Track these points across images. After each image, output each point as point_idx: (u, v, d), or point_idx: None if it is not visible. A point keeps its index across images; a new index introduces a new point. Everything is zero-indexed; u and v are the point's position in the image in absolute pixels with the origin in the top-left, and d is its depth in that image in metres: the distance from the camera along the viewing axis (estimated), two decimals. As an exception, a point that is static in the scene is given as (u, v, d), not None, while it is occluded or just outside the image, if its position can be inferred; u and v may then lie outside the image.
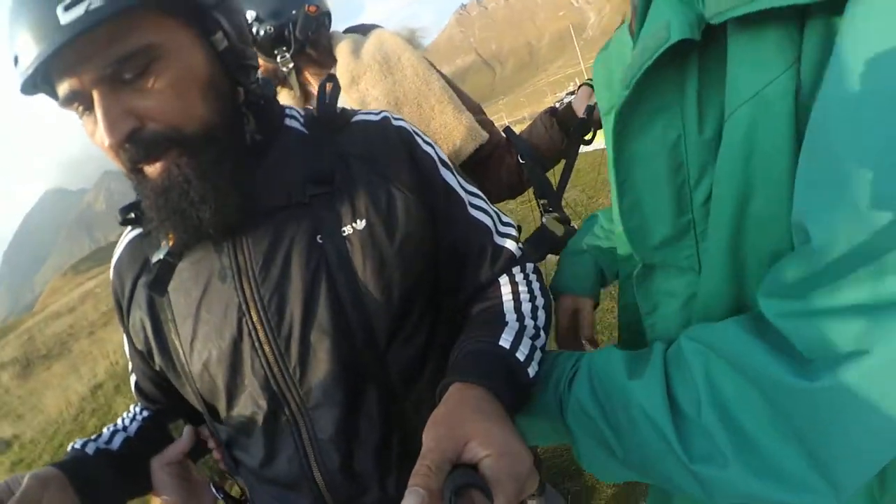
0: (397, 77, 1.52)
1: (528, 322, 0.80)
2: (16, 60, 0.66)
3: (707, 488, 0.53)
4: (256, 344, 0.79)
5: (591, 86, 1.40)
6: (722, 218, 0.55)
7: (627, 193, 0.66)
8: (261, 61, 1.52)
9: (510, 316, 0.80)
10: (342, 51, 1.54)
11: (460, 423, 0.54)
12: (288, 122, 0.89)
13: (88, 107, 0.69)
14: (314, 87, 1.59)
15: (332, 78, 0.92)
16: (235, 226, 0.79)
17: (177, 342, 0.83)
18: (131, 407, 1.02)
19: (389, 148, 0.86)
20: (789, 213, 0.48)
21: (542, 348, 0.77)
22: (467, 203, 0.90)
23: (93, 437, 0.92)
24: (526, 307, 0.82)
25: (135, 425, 0.96)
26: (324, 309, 0.78)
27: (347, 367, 0.80)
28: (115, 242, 0.96)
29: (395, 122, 0.90)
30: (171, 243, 0.81)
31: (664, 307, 0.74)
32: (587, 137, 1.42)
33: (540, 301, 0.85)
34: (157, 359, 0.87)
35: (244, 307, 0.79)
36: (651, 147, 0.60)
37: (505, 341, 0.73)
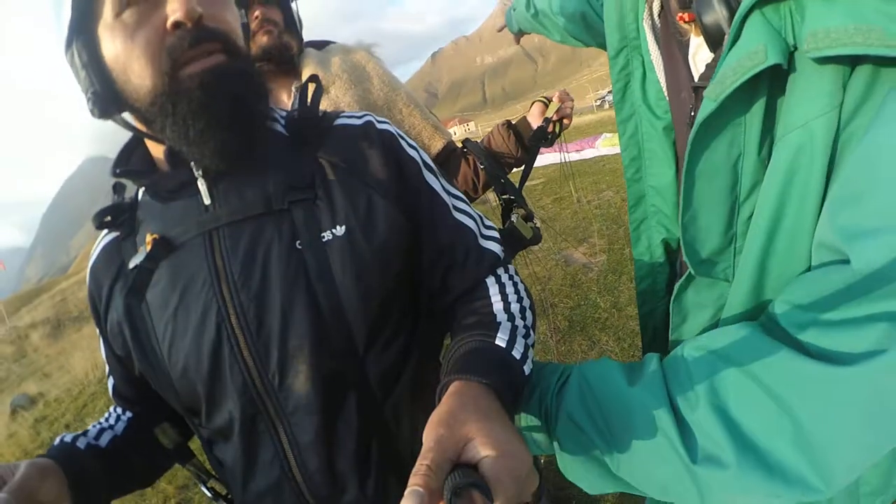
0: (366, 85, 1.60)
1: (519, 322, 0.80)
2: None
3: (703, 490, 0.56)
4: (235, 349, 0.78)
5: (544, 102, 1.63)
6: (758, 231, 0.60)
7: (689, 208, 0.68)
8: (280, 19, 1.56)
9: (501, 316, 0.80)
10: (309, 63, 1.58)
11: (460, 423, 0.54)
12: (269, 124, 0.88)
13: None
14: (276, 97, 1.62)
15: (315, 79, 0.92)
16: (230, 176, 0.81)
17: (156, 347, 0.82)
18: (111, 408, 1.01)
19: (371, 153, 0.85)
20: (812, 233, 0.56)
21: (533, 347, 0.78)
22: (451, 207, 0.90)
23: (81, 432, 0.93)
24: (515, 307, 0.83)
25: (121, 424, 0.97)
26: (302, 315, 0.78)
27: (326, 373, 0.79)
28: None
29: (378, 126, 0.89)
30: (148, 248, 0.81)
31: (693, 318, 0.78)
32: (548, 140, 1.60)
33: (526, 302, 0.86)
34: (138, 364, 0.86)
35: (223, 312, 0.78)
36: (717, 162, 0.64)
37: (501, 340, 0.73)
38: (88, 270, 0.92)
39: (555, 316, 4.44)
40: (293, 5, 1.59)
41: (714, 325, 0.74)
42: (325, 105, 1.54)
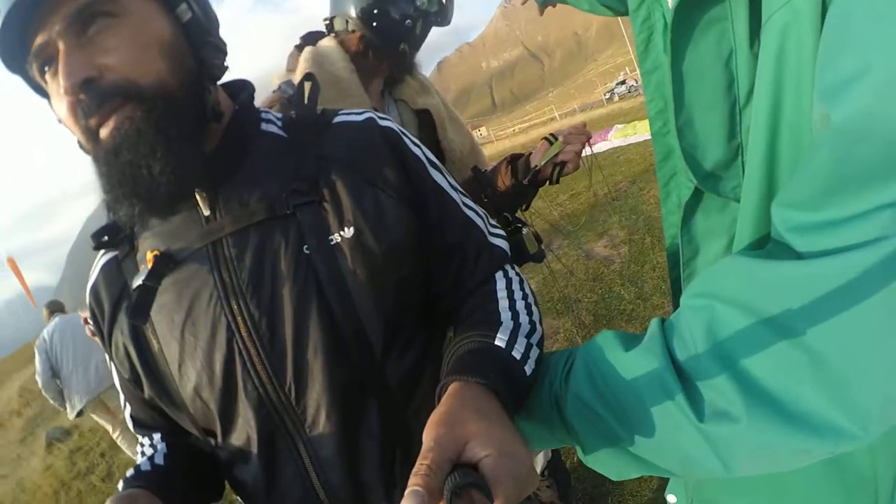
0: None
1: (524, 319, 0.79)
2: None
3: (721, 452, 0.50)
4: (249, 365, 0.76)
5: (549, 141, 1.49)
6: (759, 132, 0.52)
7: (682, 110, 0.63)
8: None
9: (504, 315, 0.79)
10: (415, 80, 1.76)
11: (460, 423, 0.54)
12: (264, 126, 0.86)
13: (55, 62, 0.70)
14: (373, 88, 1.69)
15: (311, 77, 0.90)
16: (207, 187, 0.78)
17: (165, 368, 0.80)
18: (139, 448, 0.94)
19: (375, 150, 0.83)
20: None
21: (539, 344, 0.76)
22: (460, 203, 0.89)
23: (129, 471, 0.87)
24: (520, 305, 0.81)
25: (160, 446, 0.91)
26: (316, 323, 0.76)
27: (344, 382, 0.77)
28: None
29: (380, 123, 0.87)
30: (150, 265, 0.78)
31: (705, 250, 0.72)
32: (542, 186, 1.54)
33: (531, 298, 0.85)
34: (146, 387, 0.84)
35: (233, 326, 0.76)
36: (705, 59, 0.58)
37: (500, 340, 0.72)
38: (88, 292, 0.89)
39: (579, 311, 4.38)
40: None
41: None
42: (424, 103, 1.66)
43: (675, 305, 0.89)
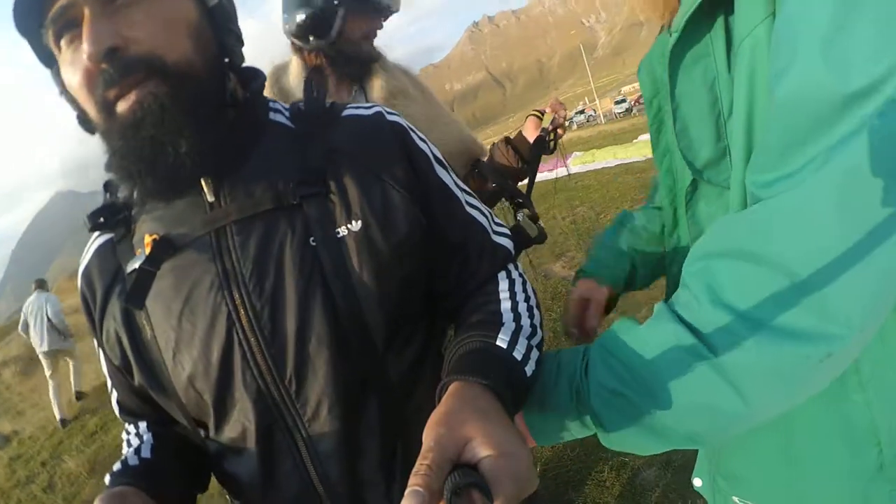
0: (413, 102, 1.73)
1: (525, 321, 0.78)
2: None
3: (738, 383, 0.56)
4: (248, 355, 0.75)
5: (538, 116, 1.76)
6: (737, 132, 0.64)
7: (678, 120, 0.77)
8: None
9: (507, 316, 0.78)
10: (380, 75, 1.73)
11: (460, 423, 0.53)
12: (273, 115, 0.85)
13: (75, 27, 0.68)
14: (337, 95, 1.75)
15: (319, 71, 0.91)
16: (214, 174, 0.76)
17: (158, 356, 0.78)
18: (124, 435, 0.92)
19: (383, 144, 0.83)
20: None
21: (539, 346, 0.76)
22: (464, 201, 0.88)
23: (116, 465, 0.83)
24: (522, 306, 0.81)
25: (147, 436, 0.88)
26: (320, 316, 0.75)
27: (346, 376, 0.77)
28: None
29: (388, 117, 0.86)
30: (148, 249, 0.76)
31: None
32: (549, 149, 1.74)
33: (533, 300, 0.84)
34: (137, 375, 0.82)
35: (234, 316, 0.74)
36: (695, 85, 0.72)
37: (502, 341, 0.71)
38: (80, 275, 0.86)
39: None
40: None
41: None
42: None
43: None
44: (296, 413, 0.77)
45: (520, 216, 1.33)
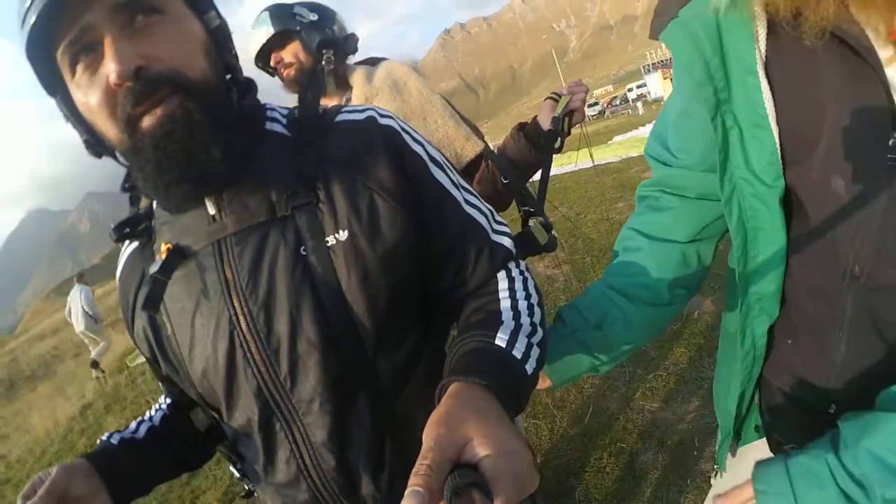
0: (405, 97, 1.74)
1: (525, 320, 0.79)
2: (23, 18, 0.69)
3: None
4: (248, 355, 0.80)
5: (554, 99, 1.61)
6: None
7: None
8: (297, 51, 1.75)
9: (506, 315, 0.80)
10: (358, 77, 1.77)
11: (460, 423, 0.54)
12: (269, 125, 0.88)
13: (93, 51, 0.70)
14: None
15: (316, 75, 0.97)
16: (234, 185, 0.80)
17: (177, 351, 0.85)
18: (161, 398, 1.05)
19: (373, 151, 0.83)
20: None
21: (540, 344, 0.77)
22: (462, 201, 0.89)
23: (121, 429, 0.96)
24: (522, 305, 0.82)
25: (159, 414, 1.01)
26: (310, 322, 0.79)
27: (336, 376, 0.81)
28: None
29: (381, 122, 0.87)
30: (163, 257, 0.82)
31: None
32: (557, 146, 1.58)
33: (535, 298, 0.85)
34: (163, 365, 0.90)
35: (235, 321, 0.80)
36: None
37: (501, 340, 0.72)
38: (117, 280, 0.95)
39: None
40: (332, 29, 1.76)
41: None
42: None
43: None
44: (292, 407, 0.82)
45: (532, 223, 1.30)
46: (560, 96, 1.61)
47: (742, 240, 0.80)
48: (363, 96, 1.72)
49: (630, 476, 2.65)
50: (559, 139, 1.58)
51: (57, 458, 7.00)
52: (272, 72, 1.80)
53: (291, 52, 1.74)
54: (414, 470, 0.48)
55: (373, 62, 1.86)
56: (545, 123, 1.60)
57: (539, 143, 1.60)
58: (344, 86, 1.79)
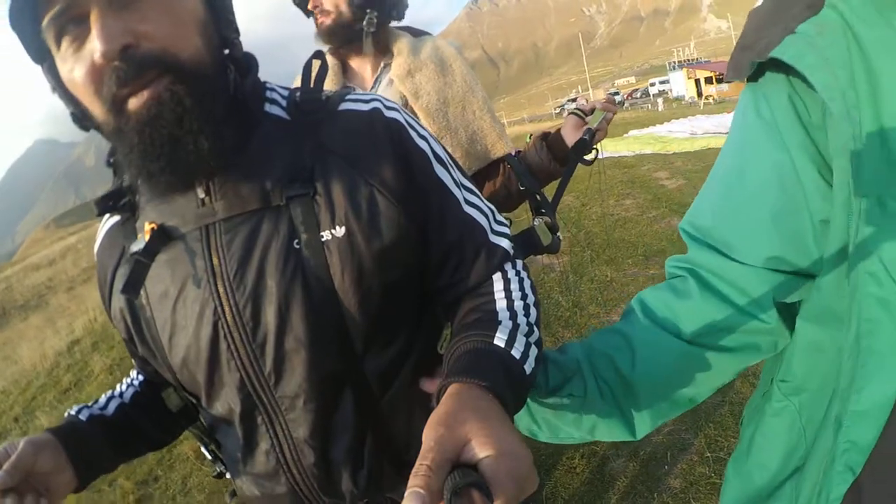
0: (448, 80, 1.67)
1: (521, 320, 0.79)
2: None
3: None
4: (232, 347, 0.78)
5: (580, 116, 1.54)
6: None
7: None
8: (339, 1, 1.59)
9: (503, 315, 0.79)
10: (402, 46, 1.66)
11: (460, 424, 0.54)
12: (268, 107, 0.84)
13: (80, 24, 0.66)
14: (357, 72, 1.72)
15: (320, 55, 0.88)
16: (226, 169, 0.76)
17: (156, 336, 0.82)
18: (131, 372, 1.02)
19: (376, 146, 0.80)
20: None
21: (538, 343, 0.77)
22: (462, 200, 0.87)
23: (89, 403, 0.94)
24: (518, 305, 0.81)
25: (130, 391, 0.97)
26: (299, 319, 0.76)
27: (323, 374, 0.79)
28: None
29: (386, 114, 0.84)
30: (147, 237, 0.78)
31: None
32: (588, 157, 1.54)
33: (531, 298, 0.84)
34: (140, 348, 0.87)
35: (220, 310, 0.77)
36: None
37: (500, 340, 0.72)
38: (95, 254, 0.91)
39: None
40: None
41: None
42: (406, 87, 1.60)
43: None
44: (275, 403, 0.81)
45: (537, 221, 1.27)
46: (586, 113, 1.55)
47: (851, 363, 0.57)
48: (406, 67, 1.64)
49: (599, 479, 2.66)
50: (589, 151, 1.54)
51: (41, 392, 7.09)
52: (309, 14, 1.65)
53: (332, 0, 1.60)
54: (414, 470, 0.48)
55: (414, 32, 1.78)
56: (568, 139, 1.55)
57: (560, 156, 1.57)
58: (383, 51, 1.69)
